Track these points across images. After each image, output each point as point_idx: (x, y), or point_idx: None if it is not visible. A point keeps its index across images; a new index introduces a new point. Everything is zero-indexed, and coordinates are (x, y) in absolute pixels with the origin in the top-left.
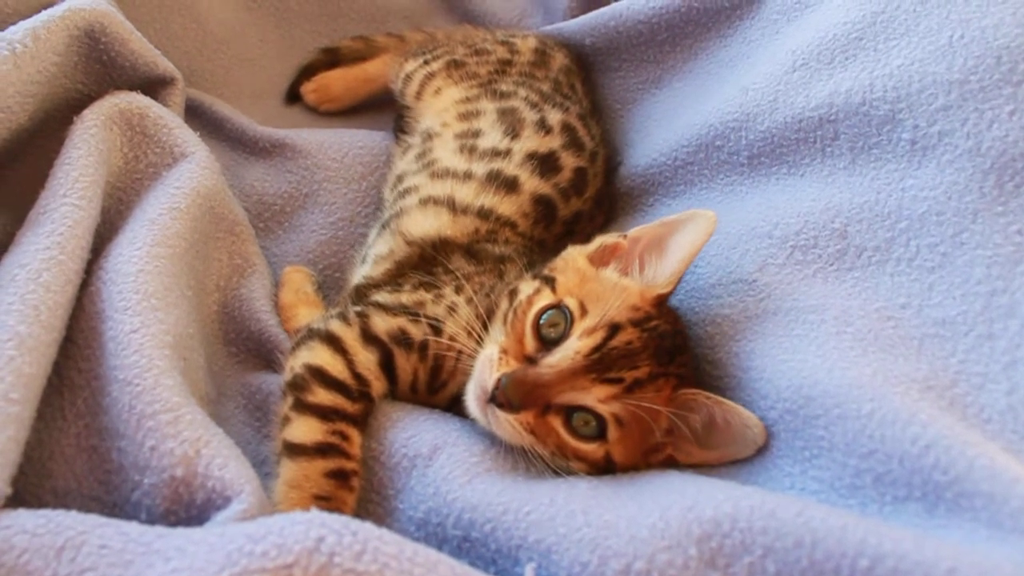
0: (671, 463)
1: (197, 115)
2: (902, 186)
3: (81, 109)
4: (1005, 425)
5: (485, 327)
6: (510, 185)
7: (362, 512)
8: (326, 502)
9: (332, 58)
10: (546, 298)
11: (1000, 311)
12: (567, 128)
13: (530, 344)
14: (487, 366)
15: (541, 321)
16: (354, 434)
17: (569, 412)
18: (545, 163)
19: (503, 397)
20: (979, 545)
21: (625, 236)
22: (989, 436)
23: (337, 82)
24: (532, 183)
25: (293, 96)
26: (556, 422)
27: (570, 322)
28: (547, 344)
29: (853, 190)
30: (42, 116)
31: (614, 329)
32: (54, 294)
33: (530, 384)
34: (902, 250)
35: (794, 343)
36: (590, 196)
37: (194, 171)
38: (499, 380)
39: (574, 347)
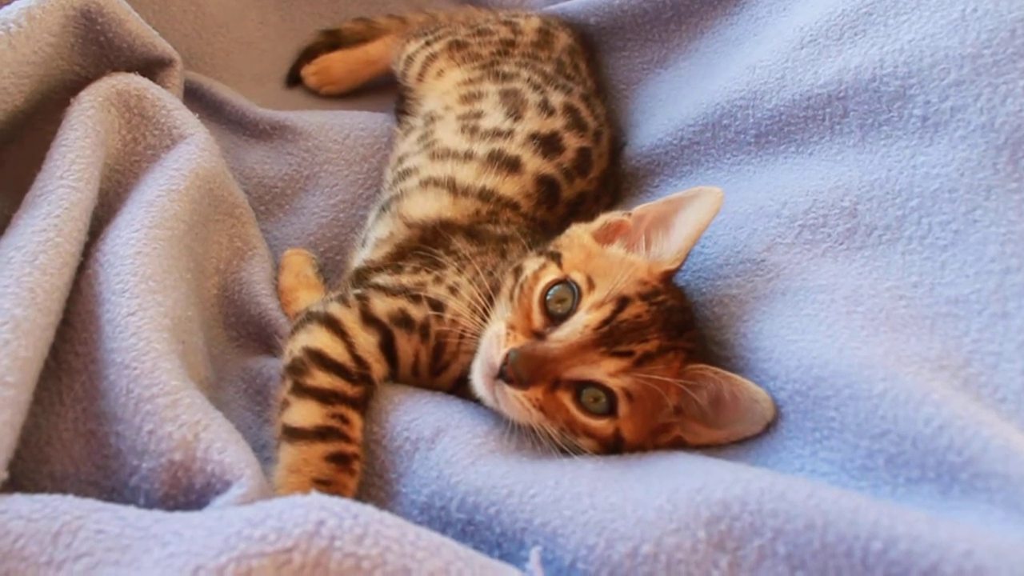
0: (679, 444)
1: (196, 97)
2: (913, 163)
3: (78, 91)
4: (1020, 405)
5: (489, 305)
6: (512, 165)
7: (364, 496)
8: (326, 486)
9: (333, 40)
10: (552, 273)
11: (1014, 289)
12: (570, 109)
13: (538, 319)
14: (494, 342)
15: (548, 296)
16: (354, 417)
17: (579, 388)
18: (548, 143)
19: (512, 372)
20: (995, 527)
21: (629, 214)
22: (1004, 416)
23: (338, 64)
24: (535, 163)
25: (294, 79)
26: (565, 398)
27: (578, 297)
28: (555, 319)
29: (863, 168)
30: (39, 98)
31: (623, 302)
32: (51, 277)
33: (539, 358)
34: (913, 228)
35: (803, 323)
36: (595, 176)
37: (193, 153)
38: (507, 355)
39: (583, 320)
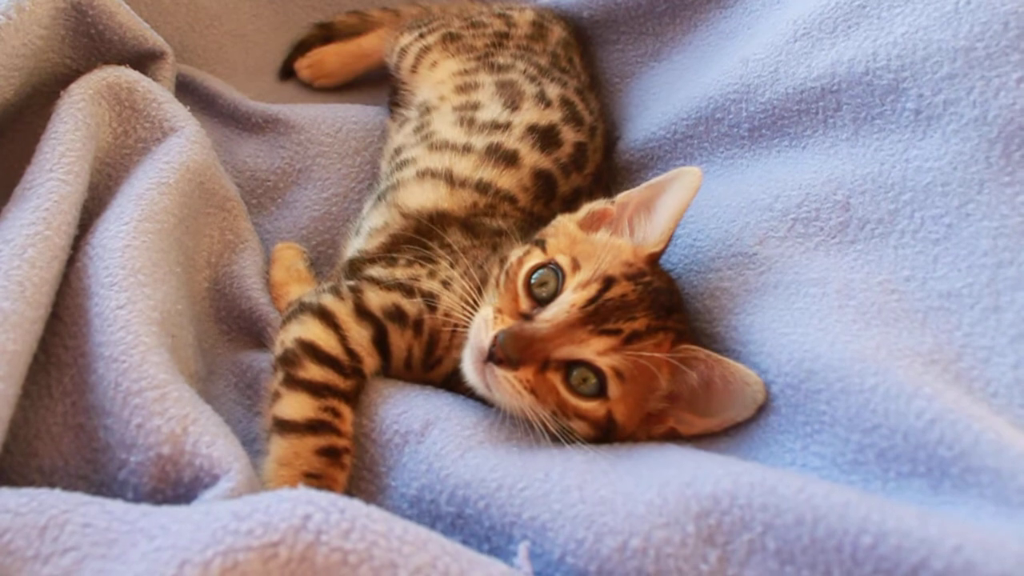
0: (673, 435)
1: (189, 90)
2: (906, 157)
3: (69, 84)
4: (1012, 399)
5: (480, 298)
6: (510, 159)
7: (353, 490)
8: (316, 480)
9: (326, 33)
10: (536, 258)
11: (1007, 283)
12: (566, 102)
13: (524, 302)
14: (482, 326)
15: (532, 280)
16: (346, 411)
17: (568, 368)
18: (546, 137)
19: (501, 353)
20: (985, 522)
21: (613, 202)
22: (995, 410)
23: (332, 57)
24: (532, 157)
25: (287, 72)
26: (555, 379)
27: (562, 279)
28: (541, 303)
29: (856, 161)
30: (29, 91)
31: (608, 282)
32: (39, 270)
33: (527, 338)
34: (906, 222)
35: (795, 316)
36: (590, 172)
37: (184, 146)
38: (496, 337)
39: (569, 300)
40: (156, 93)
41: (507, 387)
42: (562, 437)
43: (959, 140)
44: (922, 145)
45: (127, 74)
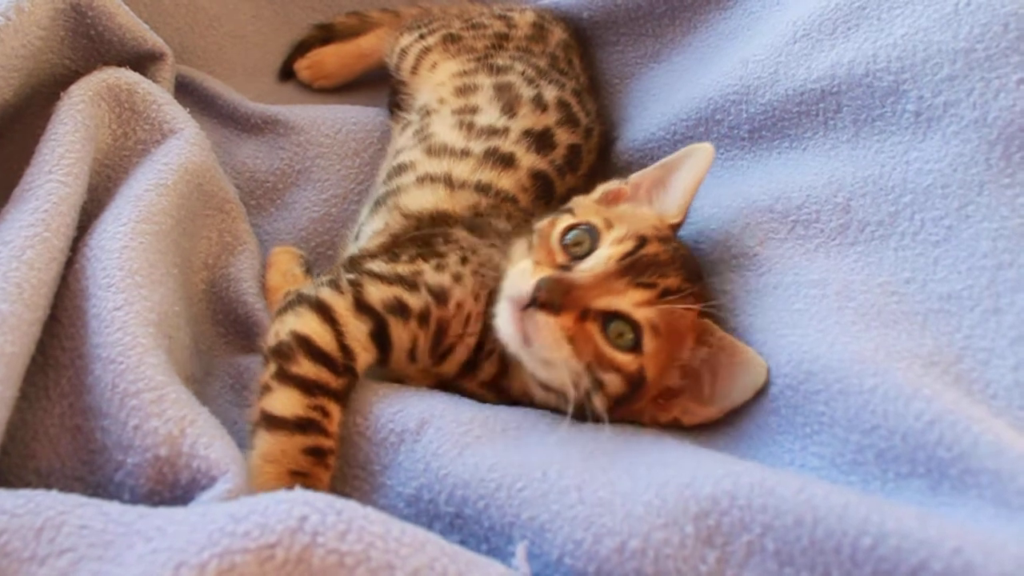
0: (675, 425)
1: (188, 91)
2: (906, 159)
3: (68, 85)
4: (1011, 401)
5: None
6: (507, 161)
7: (347, 488)
8: (302, 478)
9: (326, 34)
10: (568, 220)
11: (1007, 285)
12: (562, 105)
13: (560, 256)
14: (522, 276)
15: (566, 240)
16: (335, 410)
17: (606, 320)
18: (540, 140)
19: (544, 297)
20: (985, 523)
21: (627, 182)
22: (995, 412)
23: (331, 58)
24: (528, 159)
25: (287, 73)
26: (594, 329)
27: (596, 237)
28: (575, 260)
29: (856, 163)
30: (28, 92)
31: (643, 240)
32: (38, 272)
33: (567, 283)
34: (906, 224)
35: (795, 317)
36: (583, 173)
37: (182, 147)
38: (538, 283)
39: (606, 253)
40: (156, 95)
41: (547, 335)
42: (586, 402)
43: (959, 142)
44: (922, 147)
45: (127, 75)
